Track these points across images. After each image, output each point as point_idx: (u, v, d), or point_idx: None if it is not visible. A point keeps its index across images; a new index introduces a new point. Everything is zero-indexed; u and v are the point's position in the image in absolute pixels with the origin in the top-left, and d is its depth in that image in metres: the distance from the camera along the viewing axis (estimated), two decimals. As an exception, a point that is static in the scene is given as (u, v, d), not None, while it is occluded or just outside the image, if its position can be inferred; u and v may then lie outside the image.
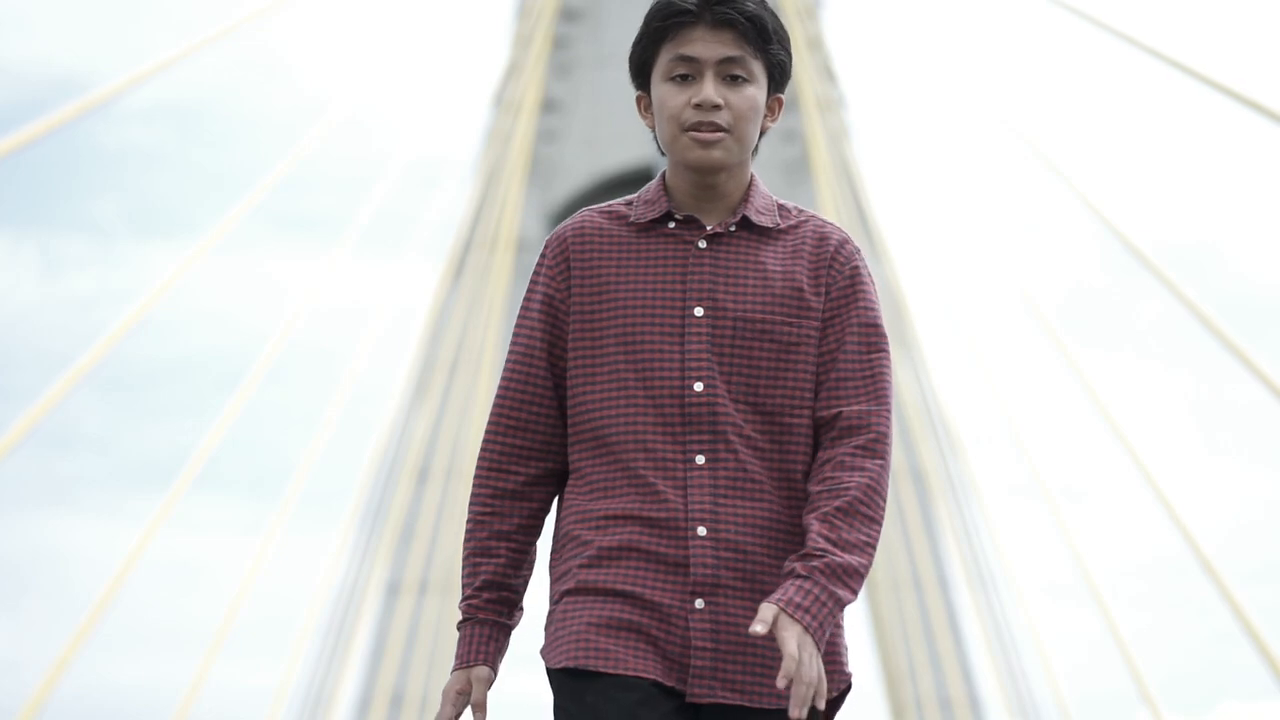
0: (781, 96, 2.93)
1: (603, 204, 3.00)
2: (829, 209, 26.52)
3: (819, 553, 2.72)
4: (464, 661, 2.92)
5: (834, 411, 2.83)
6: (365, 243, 20.98)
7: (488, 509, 2.93)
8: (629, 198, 2.98)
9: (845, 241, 2.92)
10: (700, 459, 2.79)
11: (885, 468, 2.81)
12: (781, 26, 2.90)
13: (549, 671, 2.83)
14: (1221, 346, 13.62)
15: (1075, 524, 18.46)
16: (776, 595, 2.68)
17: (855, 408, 2.83)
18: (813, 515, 2.76)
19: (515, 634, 3.01)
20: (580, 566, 2.83)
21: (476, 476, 2.96)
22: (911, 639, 22.89)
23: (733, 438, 2.80)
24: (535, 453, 2.92)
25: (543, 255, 2.97)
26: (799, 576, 2.70)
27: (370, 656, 22.75)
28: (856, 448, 2.80)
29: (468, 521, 2.96)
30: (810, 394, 2.84)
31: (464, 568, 2.95)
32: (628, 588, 2.78)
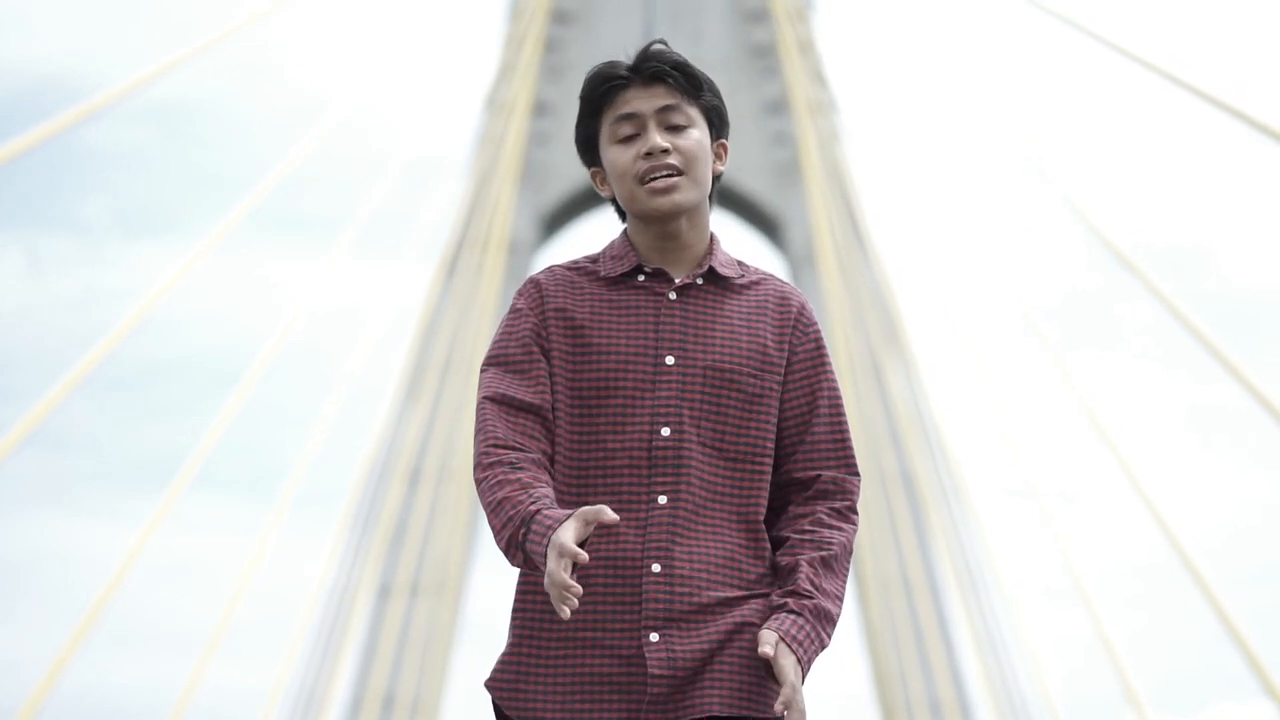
0: (726, 142, 3.08)
1: (565, 261, 3.10)
2: (819, 212, 26.60)
3: (808, 593, 2.90)
4: (559, 520, 2.77)
5: (812, 474, 3.00)
6: (358, 244, 21.04)
7: (516, 466, 2.89)
8: (592, 255, 3.09)
9: (805, 305, 3.07)
10: (662, 499, 2.91)
11: (855, 533, 3.00)
12: (708, 77, 3.07)
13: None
14: (1216, 348, 13.69)
15: (1065, 527, 18.55)
16: (775, 624, 2.86)
17: (831, 473, 3.01)
18: (800, 558, 2.93)
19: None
20: (541, 608, 2.92)
21: (485, 455, 2.92)
22: (901, 642, 22.96)
23: (695, 480, 2.93)
24: (547, 459, 2.94)
25: (519, 296, 3.05)
26: (793, 612, 2.88)
27: (362, 658, 22.78)
28: (833, 509, 2.99)
29: (494, 479, 2.89)
30: (771, 444, 3.00)
31: (508, 506, 2.85)
32: (587, 632, 2.89)
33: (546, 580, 2.72)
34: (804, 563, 2.91)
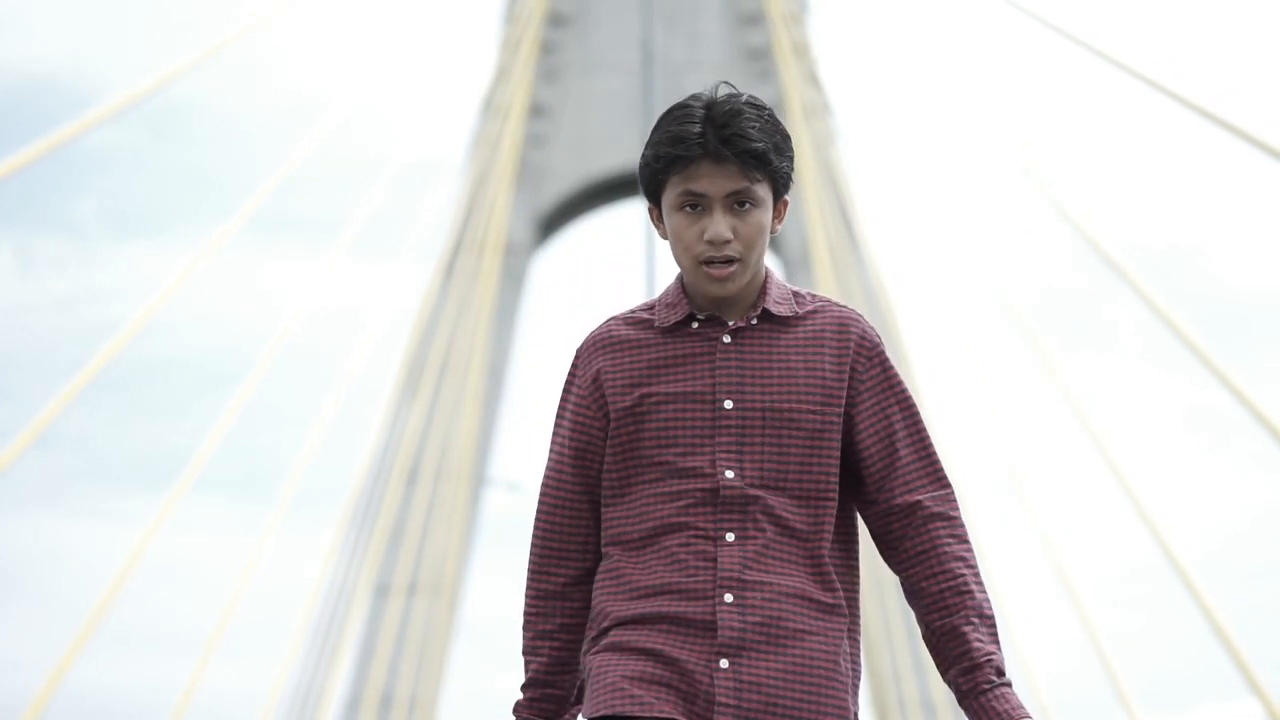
0: (786, 199, 3.07)
1: (624, 312, 3.13)
2: (814, 214, 26.70)
3: (985, 659, 2.95)
4: None
5: (912, 500, 3.01)
6: (355, 246, 21.12)
7: (533, 609, 3.08)
8: (649, 302, 3.11)
9: (865, 330, 3.06)
10: (730, 536, 2.94)
11: (972, 548, 3.04)
12: (783, 134, 3.04)
13: None
14: (1209, 351, 13.79)
15: (1057, 528, 18.65)
16: (1005, 709, 2.92)
17: (930, 494, 3.02)
18: (955, 620, 2.97)
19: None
20: (613, 628, 2.97)
21: (527, 577, 3.10)
22: (895, 641, 23.07)
23: (762, 518, 2.95)
24: (573, 554, 3.06)
25: (574, 367, 3.11)
26: (988, 689, 2.93)
27: (359, 657, 22.87)
28: (949, 535, 3.01)
29: (522, 623, 3.12)
30: (835, 479, 3.00)
31: (522, 666, 3.10)
32: (656, 647, 2.92)
33: None
34: (967, 629, 2.96)
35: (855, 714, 3.04)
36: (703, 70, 28.17)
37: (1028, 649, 19.78)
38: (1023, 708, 2.91)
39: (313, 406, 20.61)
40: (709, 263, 2.98)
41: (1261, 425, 12.73)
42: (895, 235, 27.25)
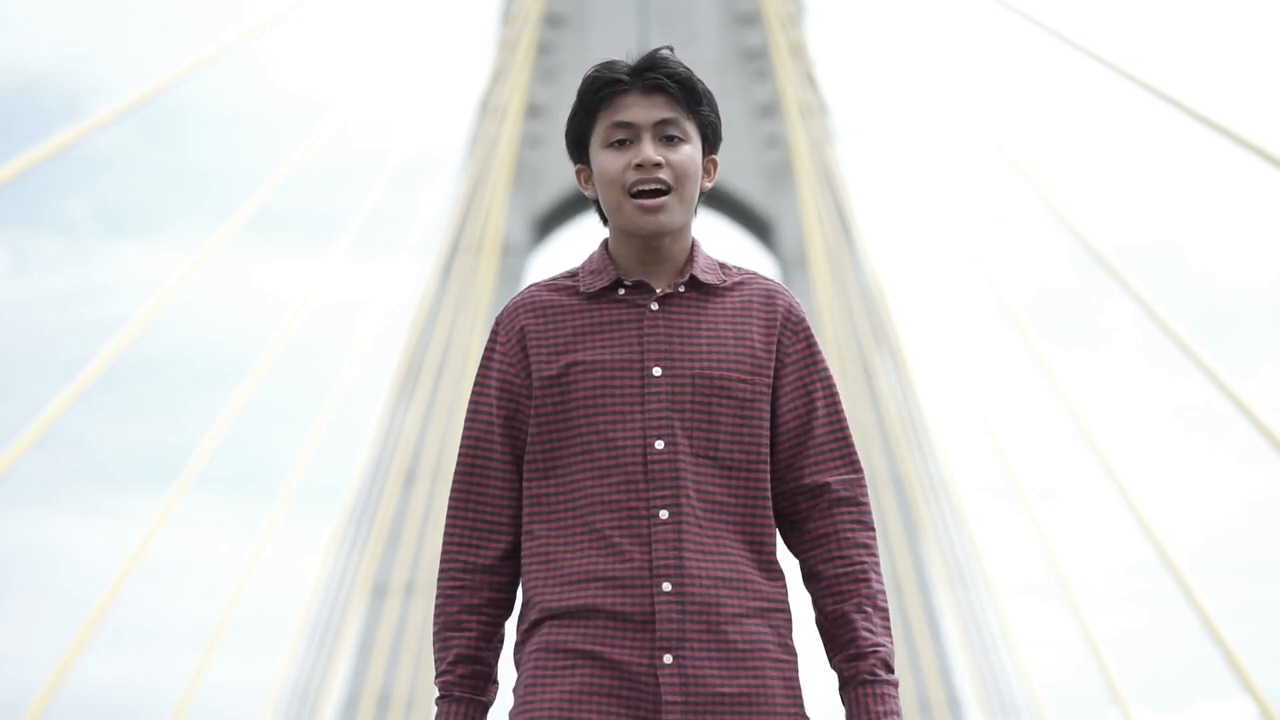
0: (715, 158, 3.00)
1: (545, 279, 3.03)
2: (810, 214, 26.78)
3: (872, 649, 2.87)
4: None
5: (821, 481, 2.94)
6: (353, 246, 21.18)
7: (456, 583, 2.95)
8: (571, 269, 3.03)
9: (792, 303, 3.00)
10: (664, 514, 2.84)
11: (875, 538, 2.96)
12: (708, 90, 3.00)
13: None
14: (1200, 347, 13.86)
15: (1052, 527, 18.72)
16: (879, 710, 2.83)
17: (840, 477, 2.95)
18: (847, 607, 2.89)
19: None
20: (545, 621, 2.87)
21: (444, 552, 2.98)
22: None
23: (694, 493, 2.86)
24: (504, 527, 2.95)
25: (494, 334, 3.00)
26: (869, 682, 2.85)
27: (357, 657, 22.94)
28: (853, 521, 2.93)
29: (437, 597, 2.97)
30: (766, 450, 2.92)
31: (435, 642, 2.95)
32: (594, 647, 2.82)
33: None
34: (853, 614, 2.88)
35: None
36: (699, 70, 28.01)
37: (1022, 647, 19.85)
38: (898, 715, 2.84)
39: (310, 406, 20.68)
40: (639, 195, 2.91)
41: (1251, 421, 12.80)
42: (891, 235, 27.32)
